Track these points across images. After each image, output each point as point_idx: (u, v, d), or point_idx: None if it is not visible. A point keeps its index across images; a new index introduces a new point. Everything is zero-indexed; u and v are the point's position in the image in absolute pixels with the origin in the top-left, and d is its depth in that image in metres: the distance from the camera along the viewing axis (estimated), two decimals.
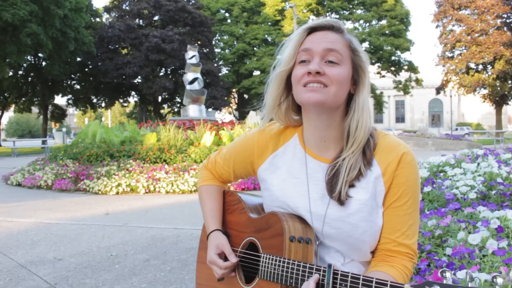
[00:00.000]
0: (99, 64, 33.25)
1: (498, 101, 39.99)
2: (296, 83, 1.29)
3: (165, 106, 42.76)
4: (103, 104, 40.72)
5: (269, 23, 43.66)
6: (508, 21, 38.02)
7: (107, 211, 6.68)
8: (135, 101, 42.68)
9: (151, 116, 35.26)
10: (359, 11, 43.44)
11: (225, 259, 1.47)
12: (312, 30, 1.31)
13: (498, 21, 37.94)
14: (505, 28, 37.81)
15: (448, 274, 0.96)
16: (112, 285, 3.54)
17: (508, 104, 42.47)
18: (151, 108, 39.46)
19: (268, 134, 1.48)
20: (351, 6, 43.07)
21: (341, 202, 1.28)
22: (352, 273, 1.12)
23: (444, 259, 2.19)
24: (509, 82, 38.01)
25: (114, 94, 37.72)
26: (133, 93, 39.03)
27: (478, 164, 3.78)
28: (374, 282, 1.07)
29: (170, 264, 4.03)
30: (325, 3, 42.14)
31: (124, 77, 33.04)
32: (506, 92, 38.72)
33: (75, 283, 3.59)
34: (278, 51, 1.39)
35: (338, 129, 1.33)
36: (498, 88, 38.17)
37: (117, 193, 8.77)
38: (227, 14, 44.52)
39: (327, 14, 43.94)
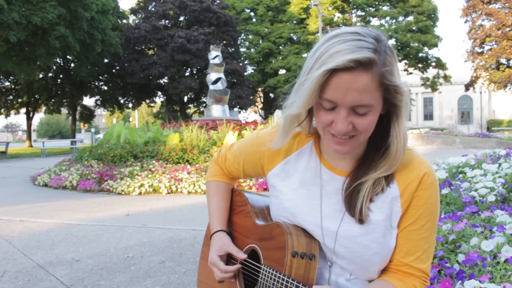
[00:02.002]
0: (126, 65, 33.72)
1: None
2: (321, 127, 1.16)
3: (191, 106, 43.07)
4: (130, 105, 41.27)
5: (294, 22, 43.45)
6: None
7: (128, 212, 6.75)
8: (162, 101, 43.14)
9: (177, 116, 35.58)
10: (385, 8, 42.77)
11: (227, 262, 1.43)
12: (335, 70, 1.05)
13: None
14: None
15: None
16: (126, 287, 3.55)
17: None
18: (177, 108, 39.81)
19: None
20: (377, 3, 42.44)
21: (361, 221, 1.20)
22: None
23: (455, 266, 2.11)
24: None
25: (141, 95, 38.18)
26: (159, 93, 39.46)
27: (500, 165, 3.65)
28: None
29: (185, 266, 4.03)
30: (350, 0, 41.67)
31: (150, 77, 33.41)
32: None
33: (90, 284, 3.63)
34: (290, 88, 1.18)
35: (361, 147, 1.24)
36: None
37: (140, 193, 8.86)
38: (252, 13, 44.52)
39: (353, 11, 43.47)
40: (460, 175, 3.72)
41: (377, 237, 1.19)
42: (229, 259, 1.45)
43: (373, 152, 1.22)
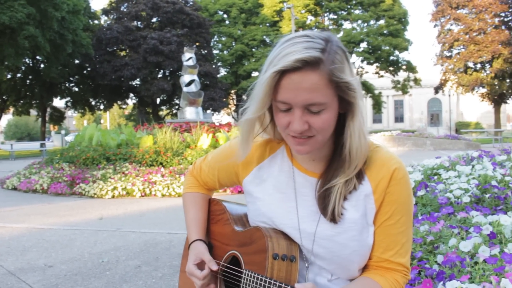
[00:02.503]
0: (97, 66, 33.21)
1: (497, 100, 39.91)
2: (281, 130, 1.19)
3: (164, 108, 42.72)
4: (101, 106, 40.66)
5: (267, 24, 43.60)
6: (506, 19, 37.93)
7: (101, 216, 6.63)
8: (134, 103, 42.62)
9: (149, 118, 35.19)
10: (357, 11, 43.36)
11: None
12: (285, 71, 1.09)
13: (496, 19, 37.83)
14: (503, 27, 37.72)
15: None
16: None
17: (506, 102, 42.37)
18: (150, 110, 39.42)
19: (253, 145, 1.38)
20: (349, 7, 42.98)
21: (334, 221, 1.21)
22: None
23: (435, 267, 2.14)
24: (508, 80, 37.91)
25: (113, 96, 37.67)
26: (131, 95, 38.99)
27: (473, 166, 3.73)
28: None
29: (161, 271, 3.98)
30: (323, 3, 42.05)
31: (122, 79, 32.99)
32: (504, 91, 38.64)
33: None
34: (250, 90, 1.21)
35: (328, 148, 1.26)
36: (497, 87, 38.10)
37: (113, 196, 8.72)
38: (225, 16, 44.48)
39: (325, 14, 43.90)
40: (435, 177, 3.79)
41: (355, 235, 1.20)
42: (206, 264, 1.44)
43: (339, 153, 1.24)
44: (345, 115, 1.19)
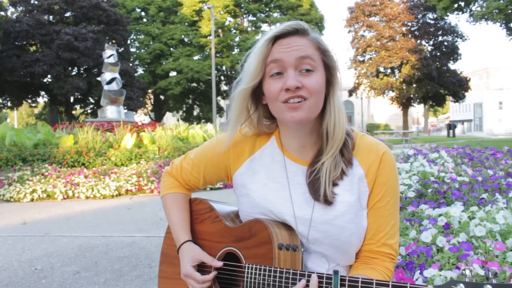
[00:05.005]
0: (5, 61, 30.94)
1: (405, 103, 42.58)
2: (273, 100, 1.22)
3: (78, 107, 40.81)
4: (9, 104, 37.98)
5: (186, 24, 43.13)
6: (412, 29, 40.61)
7: (24, 220, 6.19)
8: (45, 102, 40.26)
9: (62, 118, 33.42)
10: (275, 14, 44.21)
11: (200, 272, 1.37)
12: (276, 38, 1.22)
13: (404, 28, 40.43)
14: (410, 35, 40.38)
15: (468, 272, 0.94)
16: None
17: (413, 106, 45.34)
18: (63, 109, 37.42)
19: (243, 137, 1.40)
20: (268, 9, 43.72)
21: (328, 202, 1.23)
22: (362, 278, 1.06)
23: (398, 257, 2.23)
24: (414, 85, 40.55)
25: (22, 94, 35.23)
26: (42, 93, 36.75)
27: (411, 163, 3.93)
28: (390, 286, 1.02)
29: (103, 276, 3.79)
30: (242, 5, 42.41)
31: (33, 75, 31.00)
32: (411, 95, 41.32)
33: None
34: (241, 66, 1.29)
35: (316, 133, 1.30)
36: (405, 91, 40.69)
37: (32, 200, 8.17)
38: (143, 13, 43.37)
39: (244, 16, 44.31)
40: None
41: (352, 217, 1.24)
42: (200, 269, 1.39)
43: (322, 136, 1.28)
44: (327, 94, 1.25)
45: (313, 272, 1.13)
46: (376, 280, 1.05)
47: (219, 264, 1.34)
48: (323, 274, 1.12)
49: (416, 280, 1.83)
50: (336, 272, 1.08)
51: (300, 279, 1.14)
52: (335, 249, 1.25)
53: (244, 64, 1.27)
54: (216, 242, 1.41)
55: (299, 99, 1.18)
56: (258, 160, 1.38)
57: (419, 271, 1.88)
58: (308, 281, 1.11)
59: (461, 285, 0.91)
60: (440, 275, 1.71)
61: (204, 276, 1.33)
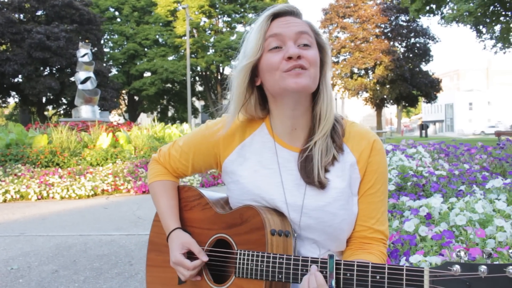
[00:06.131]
0: None
1: (378, 104, 43.20)
2: (273, 71, 1.23)
3: (50, 108, 40.02)
4: None
5: (161, 24, 42.78)
6: (385, 30, 41.25)
7: None
8: (16, 102, 39.36)
9: (34, 118, 32.72)
10: (250, 15, 44.26)
11: (189, 259, 1.36)
12: (275, 16, 1.27)
13: (377, 30, 41.04)
14: (383, 37, 41.01)
15: (462, 253, 0.96)
16: None
17: (386, 106, 46.02)
18: (34, 110, 36.66)
19: (234, 124, 1.39)
20: (242, 10, 43.74)
21: (322, 185, 1.24)
22: (358, 261, 1.08)
23: None
24: (387, 86, 41.19)
25: None
26: (13, 93, 35.90)
27: (390, 158, 4.00)
28: (386, 268, 1.04)
29: (83, 274, 3.74)
30: (217, 5, 42.33)
31: (3, 75, 30.27)
32: (385, 96, 41.95)
33: None
34: (241, 44, 1.31)
35: (308, 116, 1.31)
36: (378, 92, 41.29)
37: (5, 200, 7.99)
38: (116, 13, 42.84)
39: (219, 16, 44.23)
40: None
41: (343, 204, 1.25)
42: (190, 256, 1.38)
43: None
44: (320, 74, 1.28)
45: (307, 257, 1.15)
46: (372, 263, 1.06)
47: (205, 258, 1.34)
48: (318, 258, 1.13)
49: None
50: (331, 256, 1.09)
51: (294, 264, 1.15)
52: (327, 235, 1.26)
53: (243, 43, 1.30)
54: (206, 229, 1.41)
55: (300, 68, 1.21)
56: (249, 147, 1.37)
57: (404, 258, 1.92)
58: (305, 268, 1.13)
59: (457, 266, 0.93)
60: (426, 260, 1.76)
61: (194, 262, 1.33)
